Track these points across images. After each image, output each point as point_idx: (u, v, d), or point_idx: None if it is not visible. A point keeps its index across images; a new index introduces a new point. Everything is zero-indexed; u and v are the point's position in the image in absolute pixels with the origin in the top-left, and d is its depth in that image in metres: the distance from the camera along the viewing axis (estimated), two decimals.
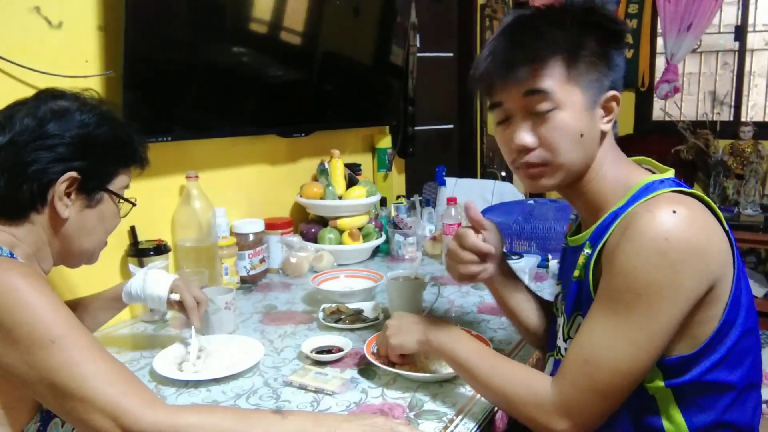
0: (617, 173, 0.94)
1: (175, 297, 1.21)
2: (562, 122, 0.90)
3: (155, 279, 1.20)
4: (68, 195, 0.92)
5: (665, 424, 0.90)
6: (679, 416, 0.89)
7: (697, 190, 0.88)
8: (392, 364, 1.12)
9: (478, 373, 0.96)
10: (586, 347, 0.86)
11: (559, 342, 1.04)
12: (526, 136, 0.92)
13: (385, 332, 1.10)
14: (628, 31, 0.93)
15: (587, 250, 0.94)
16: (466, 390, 1.07)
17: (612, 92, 0.91)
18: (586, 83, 0.90)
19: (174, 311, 1.25)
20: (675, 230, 0.80)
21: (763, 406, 1.96)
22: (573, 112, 0.90)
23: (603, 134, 0.93)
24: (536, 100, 0.90)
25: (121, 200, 1.01)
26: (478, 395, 1.05)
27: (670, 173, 0.93)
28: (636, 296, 0.82)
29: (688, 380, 0.87)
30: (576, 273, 0.96)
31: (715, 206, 0.87)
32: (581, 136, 0.90)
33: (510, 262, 1.69)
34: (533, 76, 0.89)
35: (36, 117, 0.89)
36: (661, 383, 0.88)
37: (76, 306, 1.18)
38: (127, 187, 1.02)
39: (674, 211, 0.81)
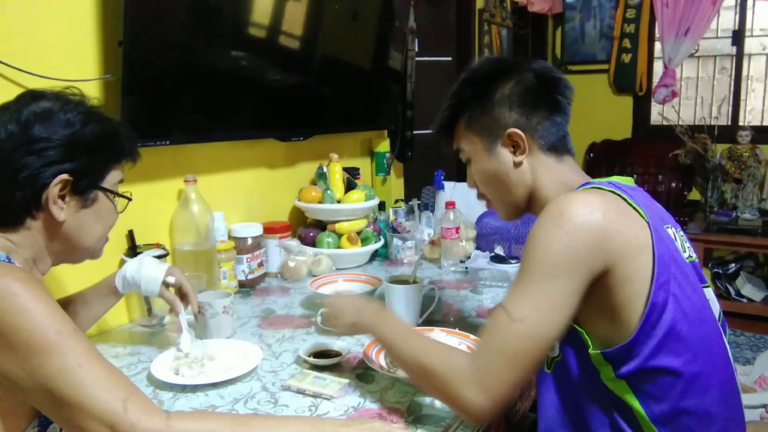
0: (559, 188, 1.04)
1: (171, 279, 1.21)
2: (476, 169, 1.12)
3: (151, 262, 1.21)
4: (62, 197, 0.91)
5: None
6: (638, 407, 0.92)
7: (619, 192, 0.96)
8: (393, 369, 1.12)
9: (400, 351, 1.00)
10: (500, 314, 0.91)
11: None
12: (468, 180, 1.16)
13: (324, 316, 1.18)
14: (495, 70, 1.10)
15: None
16: None
17: (509, 130, 1.05)
18: (480, 131, 1.08)
19: (166, 299, 1.22)
20: (570, 207, 0.91)
21: (762, 410, 1.96)
22: (480, 158, 1.10)
23: (520, 164, 1.06)
24: (460, 153, 1.14)
25: (116, 196, 1.00)
26: None
27: (615, 178, 1.01)
28: (536, 262, 0.90)
29: (635, 368, 0.91)
30: None
31: (634, 204, 0.95)
32: (493, 175, 1.09)
33: (508, 266, 1.71)
34: (451, 139, 1.15)
35: (19, 122, 0.87)
36: (612, 375, 0.93)
37: (69, 302, 1.18)
38: (121, 181, 1.01)
39: (573, 196, 0.93)
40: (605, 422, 0.96)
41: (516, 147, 1.06)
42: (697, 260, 1.02)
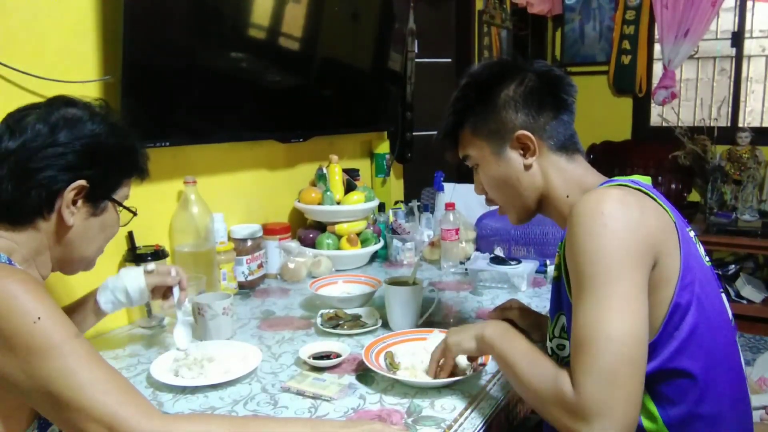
0: (573, 187, 1.03)
1: (151, 266, 1.21)
2: (484, 174, 1.10)
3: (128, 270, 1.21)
4: (74, 203, 0.93)
5: (644, 422, 0.92)
6: (654, 410, 0.91)
7: (645, 190, 0.94)
8: (392, 370, 1.12)
9: (517, 374, 0.93)
10: (579, 332, 0.86)
11: (547, 342, 1.09)
12: (476, 187, 1.15)
13: (446, 336, 1.09)
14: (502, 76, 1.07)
15: (559, 251, 1.00)
16: (465, 396, 1.07)
17: (518, 132, 1.03)
18: (488, 136, 1.07)
19: (156, 279, 1.21)
20: (609, 205, 0.88)
21: (762, 412, 1.96)
22: (488, 163, 1.08)
23: (530, 167, 1.05)
24: (467, 160, 1.12)
25: (123, 209, 1.02)
26: (476, 402, 1.06)
27: (636, 177, 0.99)
28: (593, 266, 0.86)
29: (653, 369, 0.89)
30: (554, 274, 1.04)
31: (661, 202, 0.94)
32: (503, 180, 1.07)
33: (508, 267, 1.71)
34: (457, 147, 1.13)
35: (48, 123, 0.89)
36: None
37: None
38: (127, 197, 1.03)
39: (607, 194, 0.90)
40: None
41: (525, 149, 1.04)
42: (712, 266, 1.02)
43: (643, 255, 0.86)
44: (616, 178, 0.99)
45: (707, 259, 1.00)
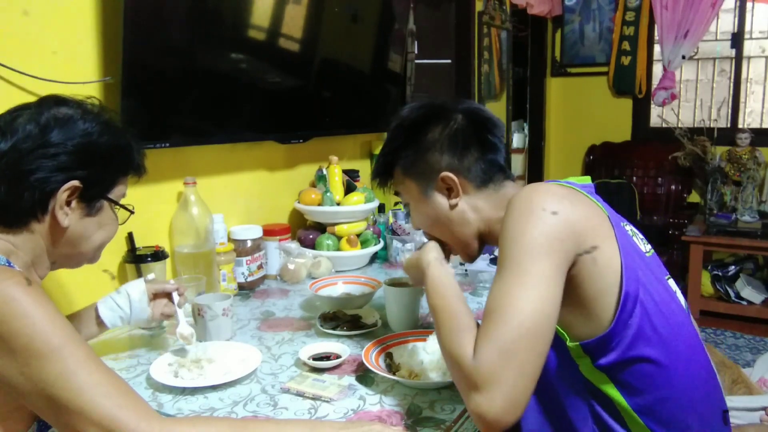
0: (505, 206, 1.03)
1: (151, 276, 1.25)
2: (414, 212, 1.15)
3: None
4: (68, 203, 0.92)
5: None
6: (621, 400, 0.93)
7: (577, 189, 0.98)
8: (392, 372, 1.12)
9: (439, 322, 0.94)
10: (489, 303, 0.87)
11: None
12: (411, 221, 1.20)
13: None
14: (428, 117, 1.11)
15: None
16: None
17: (441, 174, 1.07)
18: (416, 177, 1.11)
19: (155, 287, 1.24)
20: (538, 195, 0.92)
21: (762, 413, 1.96)
22: (417, 203, 1.13)
23: (455, 206, 1.08)
24: (401, 198, 1.17)
25: (120, 208, 1.01)
26: None
27: (571, 178, 1.02)
28: (514, 247, 0.89)
29: (614, 360, 0.91)
30: None
31: (592, 198, 0.98)
32: (434, 219, 1.11)
33: None
34: (391, 184, 1.17)
35: (39, 124, 0.88)
36: (591, 366, 0.93)
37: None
38: (124, 195, 1.02)
39: (539, 187, 0.95)
40: (586, 415, 0.96)
41: (450, 190, 1.08)
42: (655, 254, 1.04)
43: (564, 242, 0.88)
44: (549, 180, 1.03)
45: (649, 248, 1.02)
